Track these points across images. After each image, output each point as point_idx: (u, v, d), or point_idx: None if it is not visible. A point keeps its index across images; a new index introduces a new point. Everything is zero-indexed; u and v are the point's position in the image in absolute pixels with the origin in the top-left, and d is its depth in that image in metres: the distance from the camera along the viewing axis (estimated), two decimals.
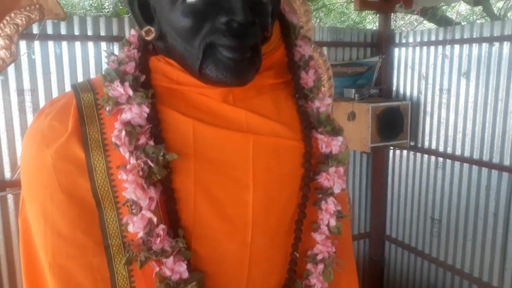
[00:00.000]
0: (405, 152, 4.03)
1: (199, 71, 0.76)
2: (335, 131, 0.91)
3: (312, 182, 0.88)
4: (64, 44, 3.20)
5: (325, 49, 4.01)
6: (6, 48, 1.03)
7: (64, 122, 0.77)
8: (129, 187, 0.71)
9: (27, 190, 0.78)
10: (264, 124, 0.83)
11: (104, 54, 3.35)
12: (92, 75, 3.32)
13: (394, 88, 4.10)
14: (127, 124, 0.74)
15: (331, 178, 0.89)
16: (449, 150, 3.62)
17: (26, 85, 3.11)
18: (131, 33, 0.93)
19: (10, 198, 3.29)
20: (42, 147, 0.76)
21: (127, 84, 0.76)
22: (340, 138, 0.92)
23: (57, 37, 3.12)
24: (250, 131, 0.82)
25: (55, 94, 3.21)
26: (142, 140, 0.74)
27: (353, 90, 3.86)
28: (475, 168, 3.44)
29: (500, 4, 6.89)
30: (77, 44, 3.25)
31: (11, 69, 2.94)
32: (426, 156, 3.84)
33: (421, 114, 3.83)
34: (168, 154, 0.74)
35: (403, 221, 4.13)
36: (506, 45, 3.14)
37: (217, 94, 0.80)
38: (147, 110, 0.75)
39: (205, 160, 0.78)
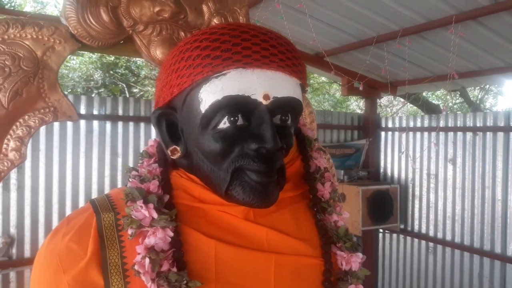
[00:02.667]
0: (395, 235, 4.00)
1: (225, 192, 0.74)
2: (354, 247, 0.89)
3: None
4: (56, 124, 3.20)
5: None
6: (16, 150, 1.01)
7: (83, 244, 0.72)
8: None
9: None
10: (285, 241, 0.81)
11: (95, 132, 3.34)
12: (82, 153, 3.28)
13: (381, 171, 4.16)
14: (151, 250, 0.70)
15: None
16: (439, 235, 3.61)
17: None
18: (149, 143, 0.91)
19: None
20: (58, 272, 0.70)
21: (151, 205, 0.73)
22: (360, 255, 0.90)
23: None
24: (272, 250, 0.78)
25: (42, 171, 3.15)
26: (165, 266, 0.70)
27: (342, 172, 3.90)
28: (466, 254, 3.42)
29: (476, 93, 7.33)
30: (69, 122, 3.25)
31: None
32: (416, 240, 3.82)
33: (410, 197, 3.87)
34: (191, 282, 0.70)
35: None
36: (488, 135, 3.27)
37: (239, 211, 0.78)
38: (171, 234, 0.72)
39: (226, 284, 0.74)
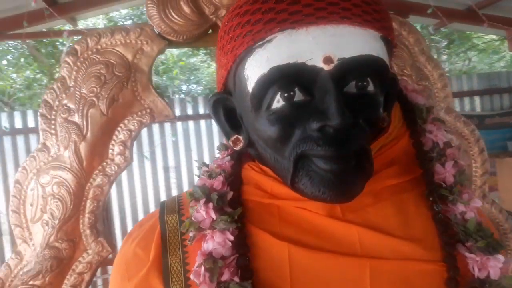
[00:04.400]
0: None
1: (292, 185, 0.61)
2: (492, 247, 0.65)
3: None
4: (202, 122, 3.43)
5: (477, 99, 3.54)
6: (121, 154, 1.05)
7: (147, 249, 0.69)
8: None
9: None
10: (385, 243, 0.63)
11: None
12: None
13: None
14: (208, 257, 0.62)
15: None
16: None
17: (171, 162, 3.37)
18: None
19: None
20: (124, 280, 0.69)
21: (210, 205, 0.64)
22: (501, 257, 0.65)
23: (197, 117, 3.34)
24: (366, 254, 0.62)
25: (196, 170, 3.40)
26: (226, 275, 0.61)
27: None
28: None
29: None
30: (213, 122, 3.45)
31: (158, 149, 3.24)
32: None
33: None
34: None
35: None
36: None
37: (320, 207, 0.64)
38: (231, 238, 0.62)
39: None
